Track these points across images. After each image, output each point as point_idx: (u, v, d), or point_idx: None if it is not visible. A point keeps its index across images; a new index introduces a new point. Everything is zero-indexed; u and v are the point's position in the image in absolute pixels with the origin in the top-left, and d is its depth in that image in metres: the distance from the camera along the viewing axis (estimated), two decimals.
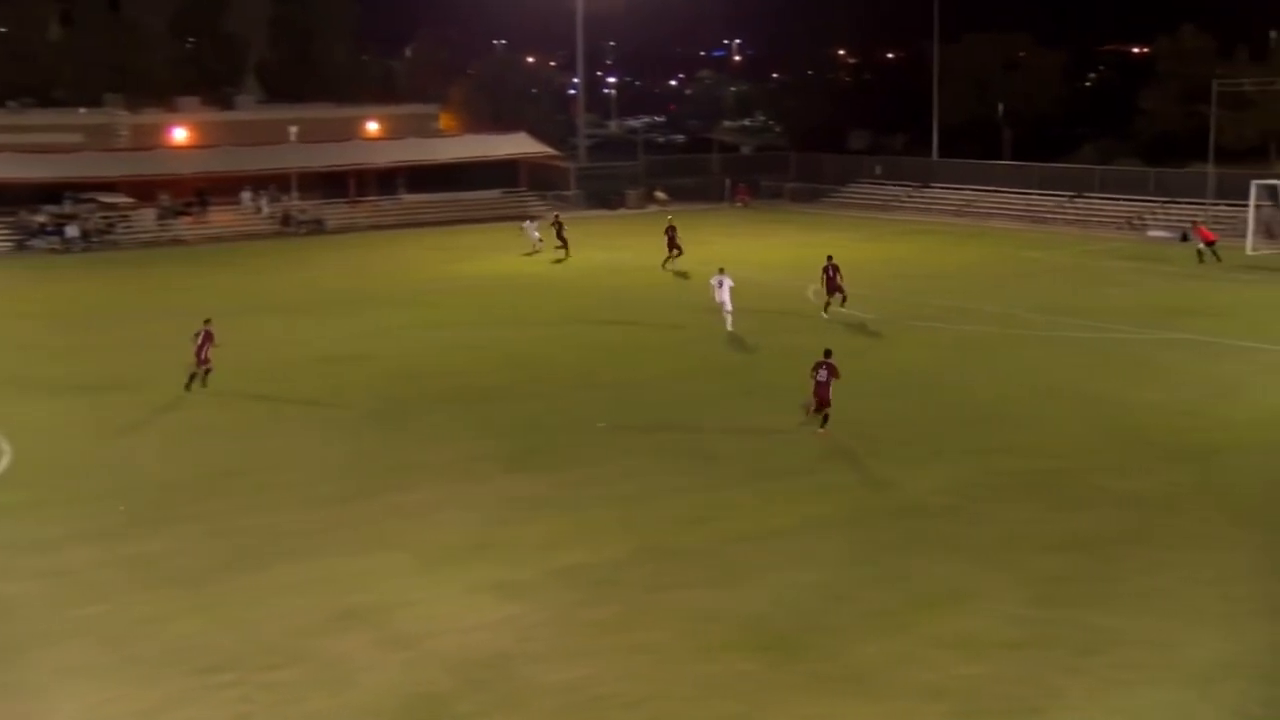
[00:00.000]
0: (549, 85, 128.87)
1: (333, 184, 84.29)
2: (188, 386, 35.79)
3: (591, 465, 28.78)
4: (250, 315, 47.60)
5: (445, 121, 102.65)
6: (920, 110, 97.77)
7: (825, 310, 45.97)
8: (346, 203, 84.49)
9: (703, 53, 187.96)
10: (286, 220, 79.76)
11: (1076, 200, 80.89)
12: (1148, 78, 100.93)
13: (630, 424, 32.19)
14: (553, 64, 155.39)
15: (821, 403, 30.99)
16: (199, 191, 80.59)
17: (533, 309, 49.00)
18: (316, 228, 79.21)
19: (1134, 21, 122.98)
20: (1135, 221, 75.42)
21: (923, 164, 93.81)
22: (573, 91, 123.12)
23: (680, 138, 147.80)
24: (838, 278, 45.97)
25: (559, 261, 62.17)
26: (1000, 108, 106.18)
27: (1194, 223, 65.01)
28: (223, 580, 22.29)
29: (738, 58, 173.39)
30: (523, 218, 71.84)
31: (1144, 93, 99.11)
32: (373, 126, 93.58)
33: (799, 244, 67.95)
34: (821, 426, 30.83)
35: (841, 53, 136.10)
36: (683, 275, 56.21)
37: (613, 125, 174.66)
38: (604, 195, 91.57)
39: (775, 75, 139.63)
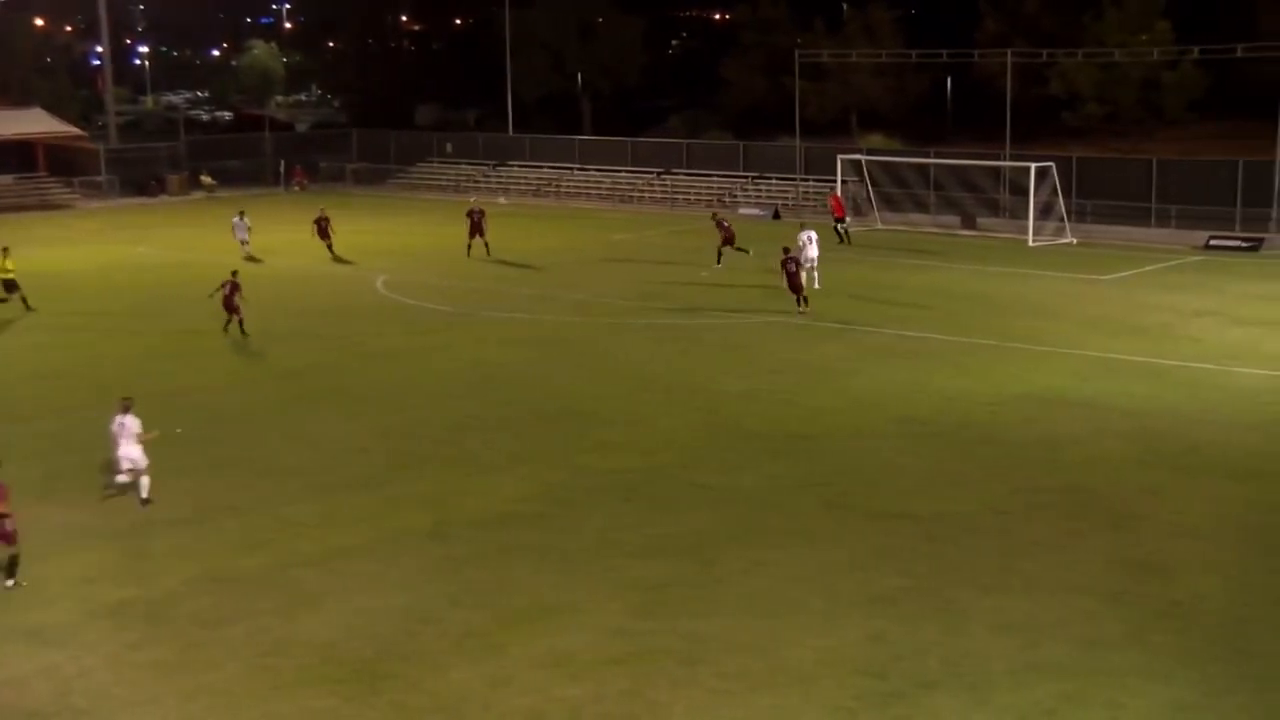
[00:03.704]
0: (66, 55, 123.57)
1: None
2: (225, 329, 42.44)
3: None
4: None
5: None
6: (493, 82, 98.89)
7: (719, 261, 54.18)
8: None
9: (249, 19, 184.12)
10: None
11: (665, 177, 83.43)
12: (731, 47, 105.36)
13: (179, 438, 31.20)
14: (69, 29, 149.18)
15: (798, 289, 43.94)
16: None
17: (57, 313, 46.81)
18: None
19: None
20: (726, 199, 78.42)
21: (499, 140, 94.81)
22: (97, 62, 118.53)
23: (227, 115, 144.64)
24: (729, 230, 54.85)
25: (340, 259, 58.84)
26: (579, 78, 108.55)
27: (832, 190, 67.25)
28: None
29: (289, 25, 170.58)
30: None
31: (727, 63, 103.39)
32: None
33: (363, 230, 67.57)
34: (806, 306, 43.93)
35: (405, 19, 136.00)
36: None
37: (148, 101, 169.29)
38: (140, 180, 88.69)
39: (332, 45, 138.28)
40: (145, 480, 26.78)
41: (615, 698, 18.46)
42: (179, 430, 30.95)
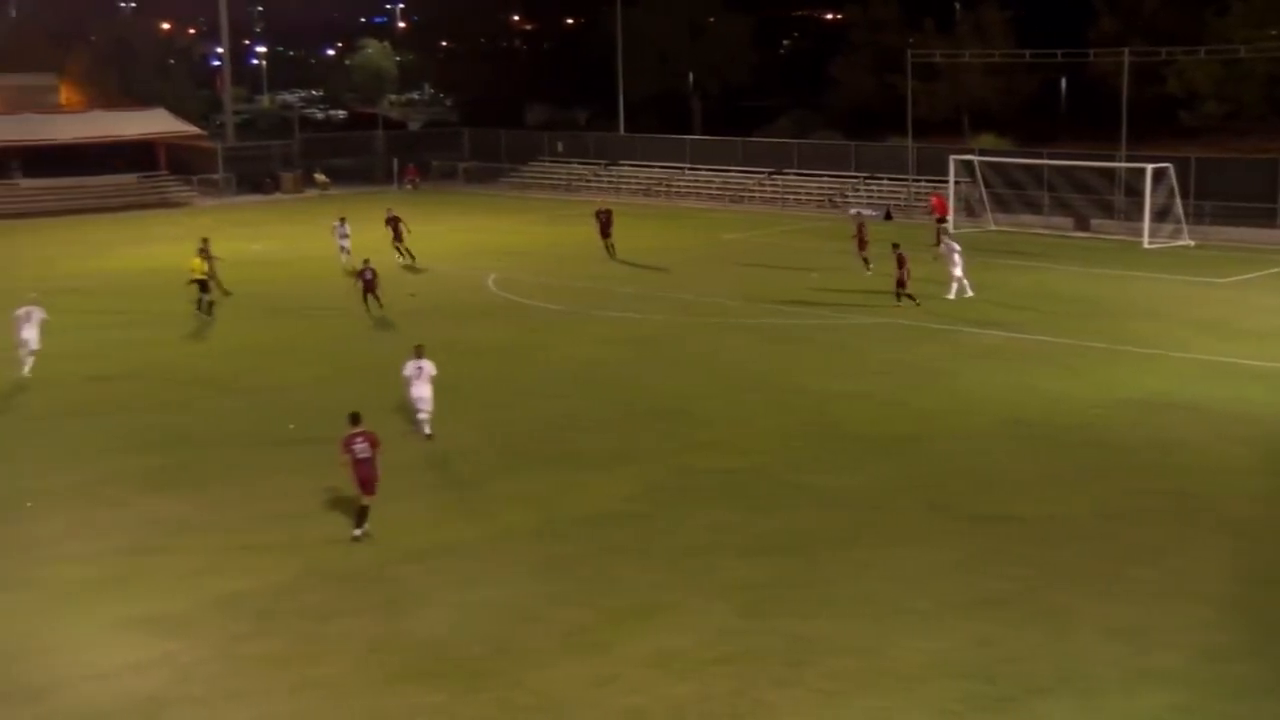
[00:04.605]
0: (188, 56, 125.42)
1: None
2: (368, 310, 45.28)
3: (244, 482, 28.13)
4: None
5: (66, 95, 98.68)
6: (603, 82, 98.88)
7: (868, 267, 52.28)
8: None
9: (363, 19, 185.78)
10: None
11: (775, 177, 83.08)
12: (840, 46, 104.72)
13: (283, 434, 31.52)
14: (192, 32, 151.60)
15: (904, 283, 44.87)
16: None
17: (165, 308, 47.41)
18: None
19: None
20: (837, 199, 77.92)
21: (610, 140, 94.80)
22: (216, 63, 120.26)
23: (341, 113, 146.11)
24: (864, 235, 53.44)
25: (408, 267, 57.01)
26: (690, 78, 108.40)
27: (935, 190, 66.88)
28: None
29: (402, 24, 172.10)
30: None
31: (837, 62, 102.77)
32: None
33: (475, 229, 68.04)
34: (916, 303, 44.56)
35: (516, 19, 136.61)
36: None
37: (264, 100, 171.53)
38: (256, 178, 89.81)
39: (444, 44, 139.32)
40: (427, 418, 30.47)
41: (721, 697, 18.37)
42: (292, 426, 31.32)
